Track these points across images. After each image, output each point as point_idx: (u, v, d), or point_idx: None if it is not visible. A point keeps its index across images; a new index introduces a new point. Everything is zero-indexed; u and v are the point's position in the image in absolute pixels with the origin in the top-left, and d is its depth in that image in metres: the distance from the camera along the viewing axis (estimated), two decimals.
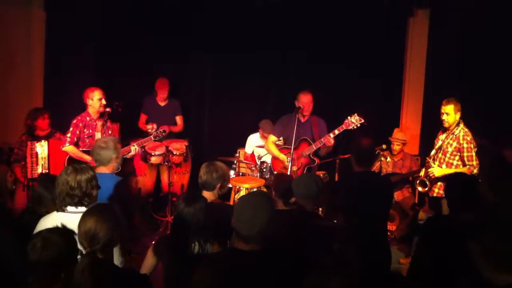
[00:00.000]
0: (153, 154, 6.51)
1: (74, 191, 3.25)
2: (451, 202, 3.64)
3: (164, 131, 5.94)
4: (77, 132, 5.55)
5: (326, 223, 3.64)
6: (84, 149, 5.51)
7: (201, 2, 7.23)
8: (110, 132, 5.75)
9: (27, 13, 7.12)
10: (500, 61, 6.63)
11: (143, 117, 7.11)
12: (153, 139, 5.86)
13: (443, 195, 5.35)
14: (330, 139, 5.60)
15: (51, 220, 3.17)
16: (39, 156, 5.90)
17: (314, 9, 7.11)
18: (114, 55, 7.32)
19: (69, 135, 5.54)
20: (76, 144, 5.54)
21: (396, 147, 6.56)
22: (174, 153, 6.56)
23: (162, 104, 7.09)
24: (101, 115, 5.68)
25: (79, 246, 2.76)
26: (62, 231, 2.62)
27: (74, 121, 5.58)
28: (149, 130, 6.15)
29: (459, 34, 6.94)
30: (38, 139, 5.98)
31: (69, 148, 5.51)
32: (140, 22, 7.25)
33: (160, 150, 6.52)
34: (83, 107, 5.70)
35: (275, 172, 5.92)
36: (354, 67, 7.24)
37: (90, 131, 5.61)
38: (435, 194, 5.45)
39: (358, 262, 2.47)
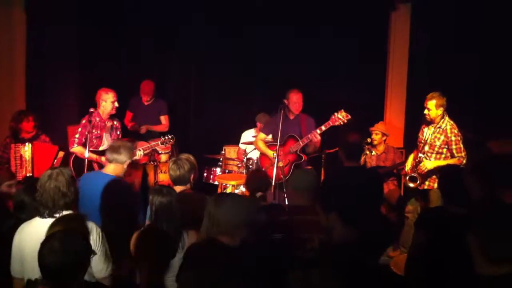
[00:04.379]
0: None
1: (66, 196, 3.15)
2: (446, 194, 3.68)
3: (173, 137, 5.91)
4: (86, 133, 5.40)
5: (311, 217, 3.67)
6: (91, 149, 5.37)
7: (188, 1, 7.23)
8: (118, 132, 5.73)
9: (7, 13, 7.02)
10: (482, 54, 6.71)
11: (128, 115, 7.16)
12: (160, 144, 5.84)
13: (432, 187, 5.45)
14: (316, 135, 5.63)
15: (34, 227, 3.08)
16: (23, 159, 5.85)
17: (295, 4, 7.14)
18: (98, 54, 7.29)
19: (77, 135, 5.45)
20: (84, 145, 5.38)
21: (375, 136, 6.48)
22: (160, 152, 6.55)
23: (147, 103, 7.10)
24: (111, 116, 5.63)
25: None
26: (79, 233, 2.56)
27: (83, 121, 5.48)
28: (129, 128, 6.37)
29: (441, 27, 6.99)
30: (23, 141, 5.92)
31: (77, 149, 5.43)
32: (125, 21, 7.27)
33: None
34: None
35: (263, 168, 5.95)
36: (338, 62, 7.30)
37: (99, 131, 5.53)
38: (425, 187, 5.52)
39: (347, 253, 2.51)
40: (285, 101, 5.76)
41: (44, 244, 2.45)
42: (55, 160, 5.90)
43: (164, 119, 7.13)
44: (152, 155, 6.46)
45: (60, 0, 6.97)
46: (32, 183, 3.54)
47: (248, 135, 7.04)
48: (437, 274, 3.24)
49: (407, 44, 7.33)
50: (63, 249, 2.39)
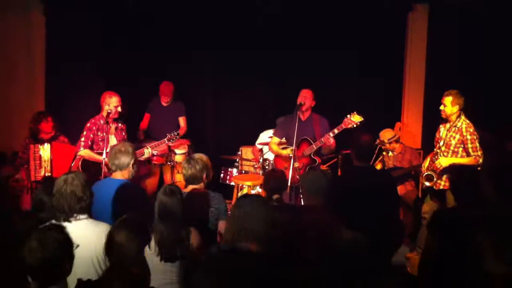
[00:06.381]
0: (155, 154, 6.53)
1: (82, 200, 3.19)
2: (458, 196, 3.67)
3: (178, 133, 5.93)
4: (91, 135, 5.51)
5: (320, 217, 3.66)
6: (99, 151, 5.47)
7: (202, 2, 7.24)
8: (123, 134, 5.76)
9: (26, 17, 7.16)
10: (500, 54, 6.65)
11: (146, 116, 7.15)
12: (166, 141, 5.86)
13: (448, 187, 5.39)
14: (330, 138, 5.54)
15: None
16: (42, 159, 5.92)
17: (313, 7, 7.13)
18: (115, 56, 7.35)
19: (83, 139, 5.51)
20: (91, 148, 5.52)
21: (389, 146, 6.53)
22: (177, 152, 6.59)
23: (165, 104, 7.11)
24: (115, 118, 5.67)
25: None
26: (55, 227, 2.62)
27: (88, 125, 5.54)
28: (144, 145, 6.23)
29: (459, 28, 6.95)
30: (42, 142, 6.00)
31: (84, 152, 5.49)
32: (141, 23, 7.30)
33: (162, 150, 6.55)
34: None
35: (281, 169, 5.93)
36: (354, 64, 7.28)
37: (104, 134, 5.55)
38: (441, 187, 5.47)
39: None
40: (298, 99, 5.71)
41: (23, 247, 2.50)
42: (74, 161, 5.95)
43: (182, 120, 7.15)
44: (169, 156, 6.51)
45: (79, 3, 7.05)
46: (51, 183, 3.56)
47: (266, 135, 7.02)
48: (448, 276, 3.24)
49: (425, 44, 7.30)
50: (41, 247, 2.45)
